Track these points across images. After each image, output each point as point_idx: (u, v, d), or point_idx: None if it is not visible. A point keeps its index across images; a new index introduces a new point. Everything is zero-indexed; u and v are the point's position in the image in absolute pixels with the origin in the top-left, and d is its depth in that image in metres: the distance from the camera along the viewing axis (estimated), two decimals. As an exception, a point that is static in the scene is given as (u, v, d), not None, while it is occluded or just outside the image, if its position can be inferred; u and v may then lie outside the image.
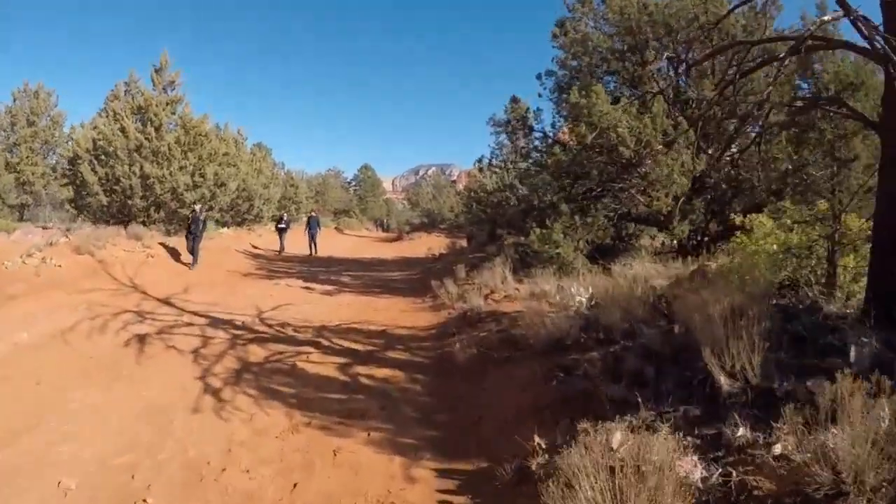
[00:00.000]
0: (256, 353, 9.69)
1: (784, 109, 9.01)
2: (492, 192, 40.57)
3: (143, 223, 24.64)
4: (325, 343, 10.28)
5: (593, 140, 13.91)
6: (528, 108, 19.25)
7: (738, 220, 9.66)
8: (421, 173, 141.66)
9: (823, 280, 8.26)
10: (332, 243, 37.01)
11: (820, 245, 8.53)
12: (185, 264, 19.38)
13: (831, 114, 8.81)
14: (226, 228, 30.88)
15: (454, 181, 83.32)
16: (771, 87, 7.75)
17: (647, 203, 14.37)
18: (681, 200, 14.13)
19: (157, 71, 26.24)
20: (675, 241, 15.64)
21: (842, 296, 7.57)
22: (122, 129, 24.08)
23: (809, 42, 6.79)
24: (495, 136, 55.91)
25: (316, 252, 28.08)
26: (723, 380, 4.97)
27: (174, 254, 20.17)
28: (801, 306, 6.98)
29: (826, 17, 7.23)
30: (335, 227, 55.57)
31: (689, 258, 14.13)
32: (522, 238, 16.18)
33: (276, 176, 39.39)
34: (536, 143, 19.71)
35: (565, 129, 18.97)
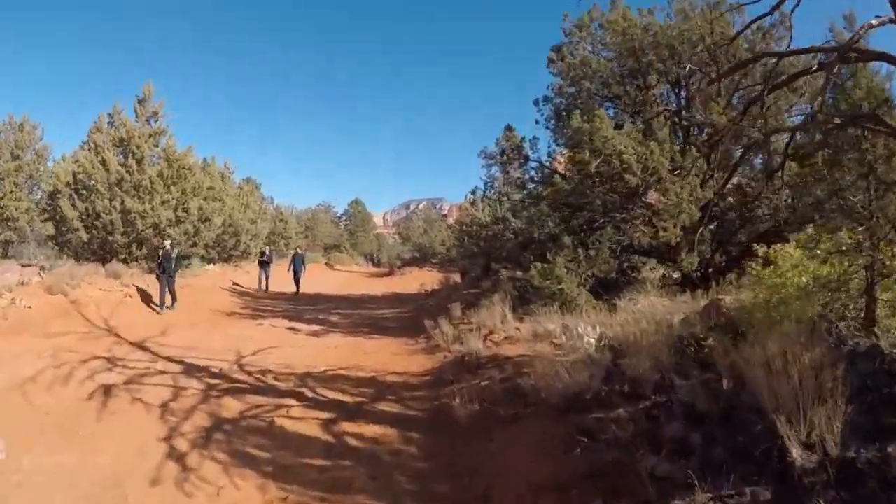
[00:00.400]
0: (231, 406, 8.58)
1: (819, 128, 8.06)
2: (485, 225, 39.83)
3: (125, 260, 23.64)
4: (309, 393, 9.18)
5: (597, 167, 13.02)
6: (523, 138, 18.38)
7: (761, 250, 8.57)
8: (412, 208, 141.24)
9: (861, 315, 7.24)
10: (322, 279, 35.91)
11: (857, 277, 7.52)
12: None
13: (866, 133, 7.83)
14: (211, 265, 29.79)
15: (445, 215, 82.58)
16: (820, 100, 6.78)
17: (653, 234, 13.39)
18: (689, 231, 13.18)
19: (140, 102, 25.32)
20: (679, 274, 14.71)
21: (881, 332, 6.59)
22: (103, 162, 23.13)
23: (853, 53, 5.92)
24: (487, 168, 54.69)
25: (299, 291, 26.76)
26: (796, 452, 3.93)
27: (154, 293, 19.12)
28: (857, 349, 5.94)
29: (873, 22, 6.35)
30: (325, 263, 54.49)
31: (697, 291, 13.23)
32: (521, 273, 15.19)
33: (263, 211, 38.36)
34: (532, 173, 18.82)
35: (560, 158, 18.17)
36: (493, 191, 20.48)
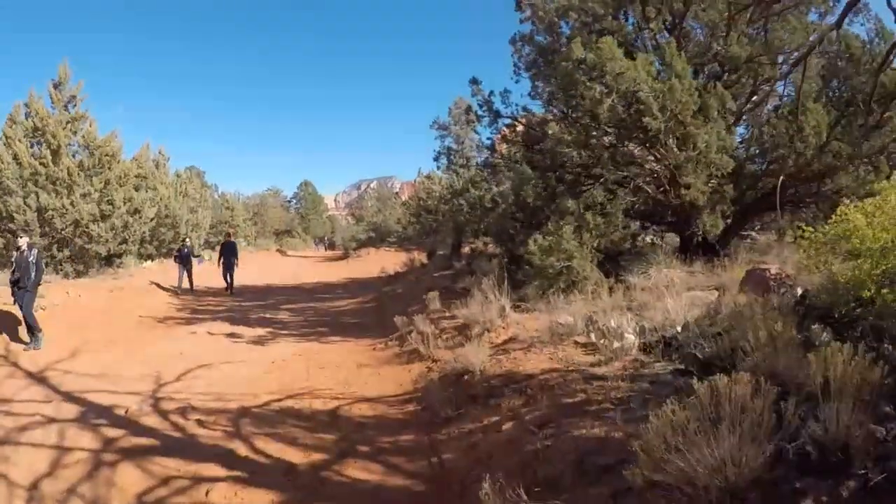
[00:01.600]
0: (126, 483, 5.62)
1: None
2: (444, 198, 36.97)
3: (47, 265, 20.44)
4: (243, 450, 6.20)
5: (609, 108, 10.31)
6: (491, 92, 15.57)
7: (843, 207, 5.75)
8: (363, 188, 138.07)
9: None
10: (272, 268, 32.74)
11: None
12: (95, 310, 15.27)
13: None
14: (149, 261, 26.55)
15: (397, 193, 79.65)
16: None
17: (675, 193, 10.82)
18: (716, 187, 10.62)
19: (55, 86, 21.84)
20: (693, 240, 12.17)
21: None
22: (14, 156, 19.81)
23: None
24: (440, 139, 51.62)
25: (232, 287, 21.65)
26: None
27: (78, 302, 16.03)
28: None
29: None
30: (277, 250, 51.27)
31: (716, 259, 10.73)
32: (510, 248, 12.40)
33: (205, 198, 34.87)
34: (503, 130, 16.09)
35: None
36: (452, 160, 17.83)
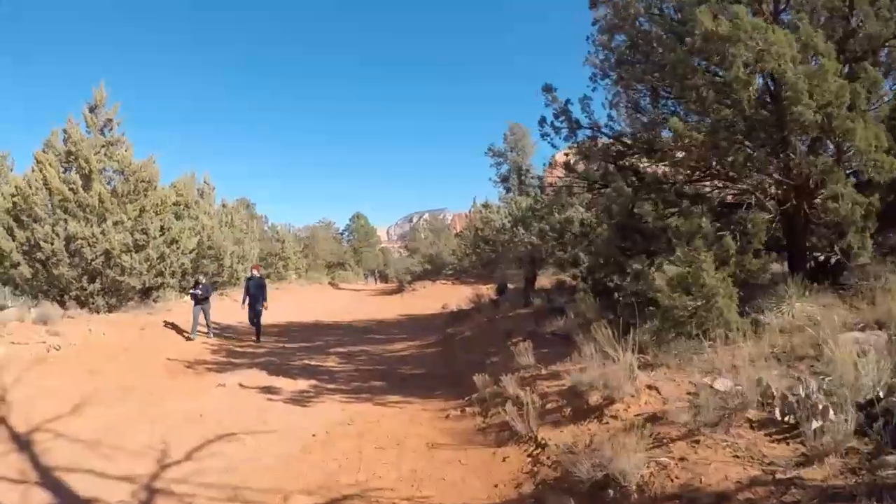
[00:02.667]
0: None
1: None
2: (508, 226, 34.36)
3: (77, 299, 18.47)
4: None
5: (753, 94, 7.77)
6: (567, 100, 13.09)
7: None
8: (415, 220, 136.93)
9: None
10: (322, 302, 30.49)
11: None
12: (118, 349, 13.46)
13: None
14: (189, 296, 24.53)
15: (448, 225, 77.55)
16: None
17: (805, 208, 8.27)
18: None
19: (91, 109, 20.02)
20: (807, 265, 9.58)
21: None
22: (45, 182, 17.95)
23: None
24: (496, 167, 49.07)
25: (260, 335, 17.59)
26: None
27: (101, 340, 13.98)
28: None
29: None
30: (329, 282, 49.19)
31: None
32: (619, 281, 9.71)
33: (252, 229, 32.81)
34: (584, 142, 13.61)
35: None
36: (523, 181, 15.42)
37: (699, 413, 5.26)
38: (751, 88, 7.94)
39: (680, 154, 9.93)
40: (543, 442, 6.12)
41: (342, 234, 72.24)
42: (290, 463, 6.68)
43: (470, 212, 48.48)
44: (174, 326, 17.02)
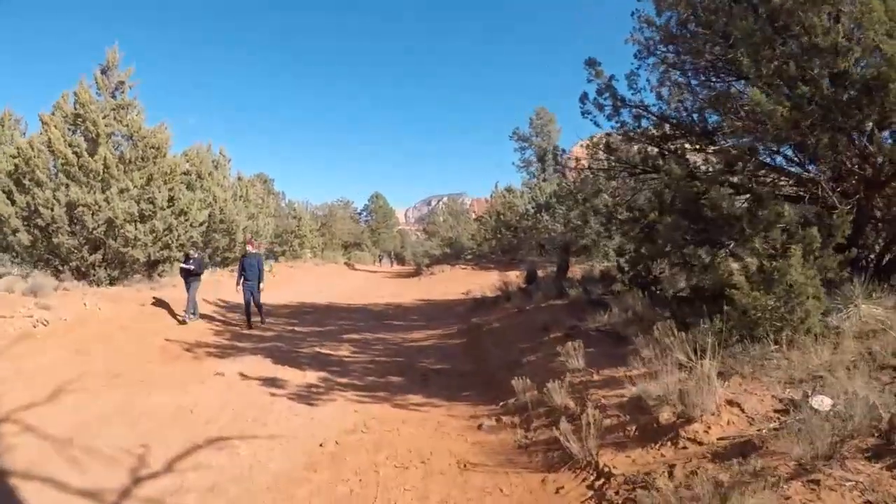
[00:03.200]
0: None
1: None
2: (532, 212, 33.02)
3: (79, 270, 17.39)
4: None
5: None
6: (611, 77, 11.75)
7: None
8: (433, 204, 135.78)
9: None
10: (338, 283, 29.33)
11: None
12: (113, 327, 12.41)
13: None
14: (201, 272, 23.41)
15: (467, 210, 76.34)
16: None
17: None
18: None
19: (103, 71, 18.88)
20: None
21: None
22: (49, 143, 16.83)
23: None
24: (520, 151, 47.47)
25: (255, 318, 15.15)
26: None
27: (96, 316, 12.93)
28: None
29: None
30: (345, 263, 47.99)
31: None
32: (677, 273, 8.39)
33: (267, 205, 31.50)
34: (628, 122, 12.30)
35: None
36: (559, 161, 14.04)
37: (811, 441, 3.97)
38: (849, 57, 6.59)
39: (744, 133, 8.56)
40: (607, 470, 4.80)
41: (360, 213, 71.00)
42: (289, 483, 5.39)
43: (491, 196, 47.16)
44: (165, 305, 15.54)
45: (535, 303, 13.03)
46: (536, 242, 35.95)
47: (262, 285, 15.11)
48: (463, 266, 35.90)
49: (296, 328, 14.84)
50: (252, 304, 14.92)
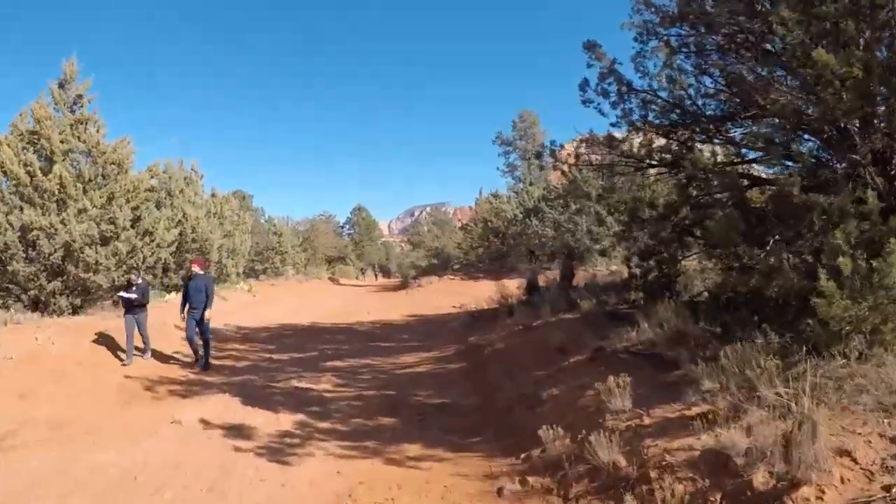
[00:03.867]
0: None
1: None
2: (520, 216, 31.60)
3: (37, 300, 15.78)
4: None
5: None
6: (613, 60, 10.45)
7: None
8: (416, 214, 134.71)
9: None
10: (321, 300, 27.68)
11: None
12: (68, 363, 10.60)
13: None
14: (172, 293, 21.65)
15: (450, 219, 75.01)
16: None
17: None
18: None
19: (60, 85, 17.30)
20: None
21: None
22: (1, 165, 15.28)
23: None
24: (504, 156, 46.06)
25: (202, 354, 12.38)
26: None
27: (48, 352, 11.17)
28: None
29: None
30: (329, 278, 46.36)
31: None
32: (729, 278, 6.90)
33: (244, 221, 29.74)
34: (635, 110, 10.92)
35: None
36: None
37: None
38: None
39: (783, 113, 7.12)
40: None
41: (342, 227, 69.36)
42: None
43: (476, 204, 45.84)
44: (106, 339, 13.33)
45: (542, 317, 11.42)
46: (526, 249, 34.56)
47: (208, 313, 12.30)
48: (451, 276, 34.34)
49: (273, 355, 13.24)
50: (196, 338, 12.46)
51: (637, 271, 9.69)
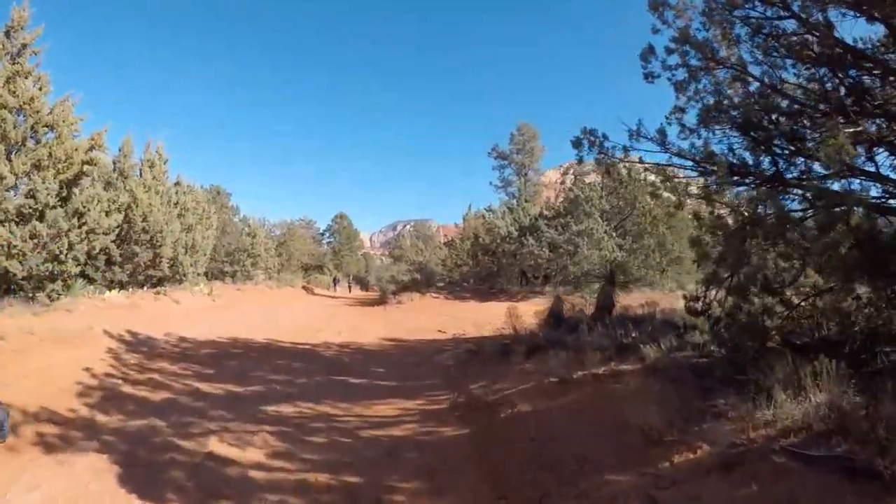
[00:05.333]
0: None
1: None
2: (508, 237, 28.64)
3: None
4: None
5: None
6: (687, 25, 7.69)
7: None
8: (398, 229, 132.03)
9: None
10: (288, 311, 24.09)
11: None
12: None
13: None
14: (114, 291, 18.14)
15: (433, 235, 72.05)
16: None
17: None
18: None
19: (6, 33, 14.19)
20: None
21: None
22: None
23: None
24: (499, 170, 43.41)
25: None
26: None
27: None
28: None
29: None
30: (304, 287, 42.71)
31: None
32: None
33: (208, 215, 25.94)
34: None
35: None
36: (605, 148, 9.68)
37: None
38: None
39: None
40: None
41: (322, 234, 65.54)
42: None
43: (463, 220, 42.70)
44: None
45: (586, 367, 7.90)
46: (520, 269, 31.52)
47: None
48: (434, 294, 30.84)
49: (205, 385, 9.77)
50: None
51: (735, 308, 6.44)
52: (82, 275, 16.36)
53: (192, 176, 49.67)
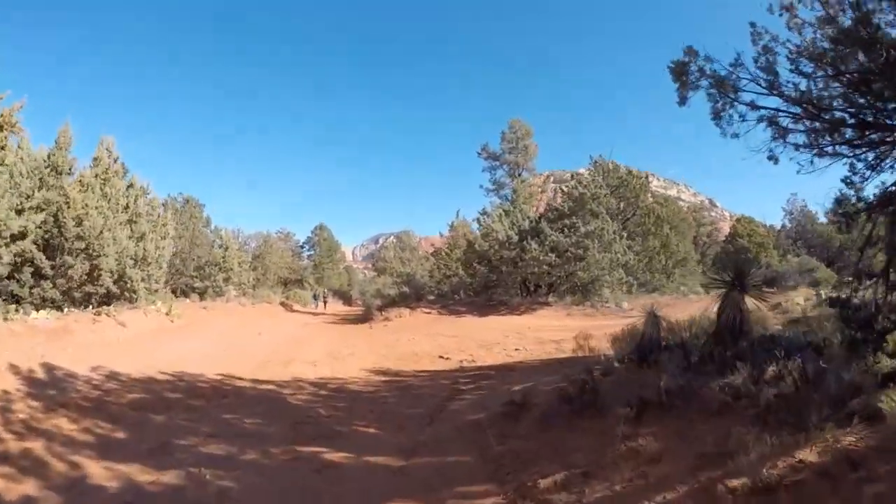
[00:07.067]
0: None
1: None
2: (507, 242, 25.59)
3: None
4: None
5: None
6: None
7: None
8: (381, 242, 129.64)
9: None
10: (255, 334, 20.12)
11: None
12: None
13: None
14: (44, 312, 14.35)
15: (416, 246, 68.94)
16: None
17: None
18: None
19: None
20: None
21: None
22: None
23: None
24: (490, 171, 40.06)
25: None
26: None
27: None
28: None
29: None
30: (282, 303, 38.71)
31: None
32: None
33: (163, 222, 21.86)
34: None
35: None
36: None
37: None
38: None
39: None
40: None
41: (302, 247, 61.62)
42: None
43: (450, 228, 39.45)
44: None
45: (790, 449, 3.80)
46: (521, 278, 28.05)
47: None
48: (426, 310, 27.02)
49: (94, 471, 5.96)
50: None
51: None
52: (4, 292, 12.70)
53: (164, 188, 46.07)
